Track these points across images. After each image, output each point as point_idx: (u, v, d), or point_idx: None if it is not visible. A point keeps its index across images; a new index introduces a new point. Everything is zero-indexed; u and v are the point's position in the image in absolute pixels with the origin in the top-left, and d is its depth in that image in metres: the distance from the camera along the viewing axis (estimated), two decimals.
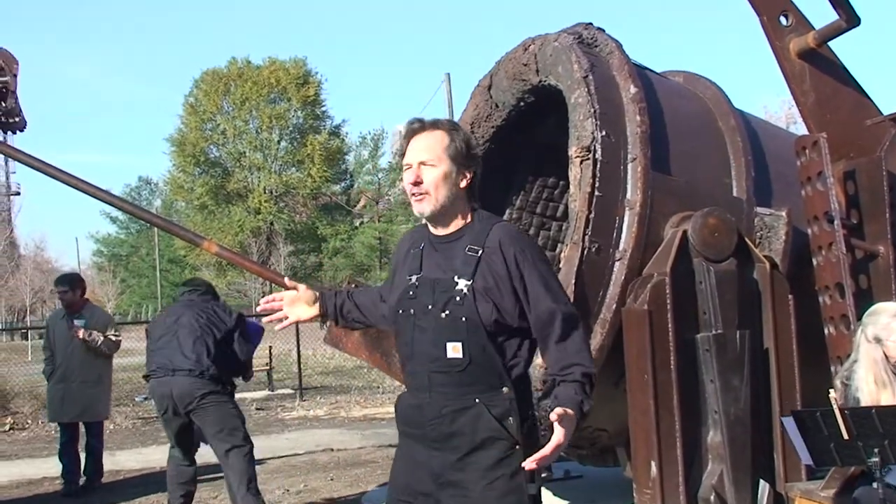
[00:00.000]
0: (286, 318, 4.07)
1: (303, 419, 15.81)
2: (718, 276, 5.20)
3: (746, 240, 5.38)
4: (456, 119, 7.86)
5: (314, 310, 4.07)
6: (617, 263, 5.36)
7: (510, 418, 3.52)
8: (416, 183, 3.60)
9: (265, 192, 66.96)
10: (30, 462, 11.97)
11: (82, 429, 9.94)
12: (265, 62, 67.61)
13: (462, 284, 3.53)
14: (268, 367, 21.64)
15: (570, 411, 3.35)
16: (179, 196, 71.64)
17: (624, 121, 5.53)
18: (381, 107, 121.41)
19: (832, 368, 5.20)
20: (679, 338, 5.14)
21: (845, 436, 3.97)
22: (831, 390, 4.09)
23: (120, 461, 11.94)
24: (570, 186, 5.49)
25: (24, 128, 8.73)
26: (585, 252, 5.26)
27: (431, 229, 3.72)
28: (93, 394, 9.81)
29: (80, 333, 9.65)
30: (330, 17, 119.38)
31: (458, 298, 3.53)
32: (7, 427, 15.39)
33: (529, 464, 3.33)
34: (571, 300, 5.10)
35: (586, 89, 5.49)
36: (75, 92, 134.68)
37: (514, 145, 6.76)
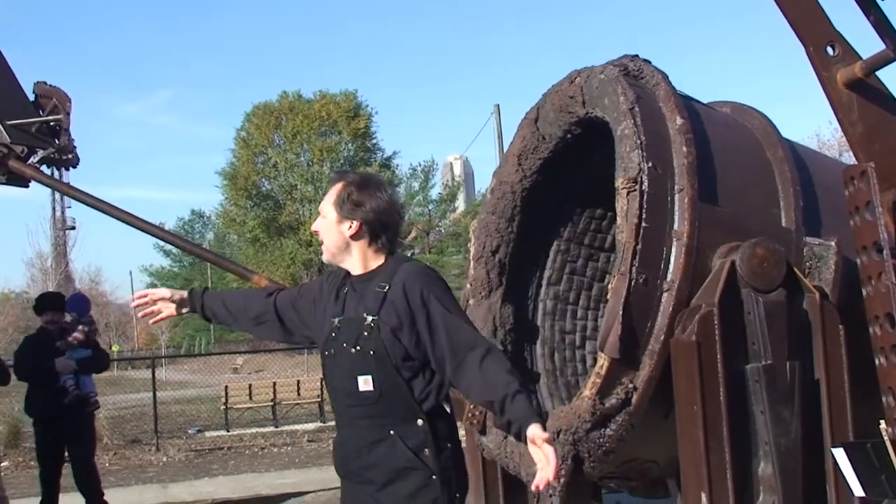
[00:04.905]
0: (159, 312, 4.35)
1: None
2: (767, 307, 5.16)
3: (795, 270, 5.34)
4: (504, 151, 7.88)
5: (181, 307, 4.34)
6: (664, 294, 5.33)
7: (426, 450, 3.66)
8: (315, 231, 3.97)
9: None
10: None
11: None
12: (316, 95, 68.12)
13: (370, 319, 3.71)
14: (319, 399, 21.72)
15: (541, 432, 3.49)
16: (231, 229, 72.32)
17: (670, 152, 5.52)
18: (431, 139, 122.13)
19: (883, 399, 5.14)
20: (728, 369, 5.11)
21: None
22: (882, 421, 4.06)
23: (173, 493, 12.05)
24: (617, 218, 5.50)
25: (77, 164, 8.93)
26: (633, 283, 5.25)
27: (350, 270, 3.93)
28: None
29: None
30: (380, 50, 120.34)
31: (366, 333, 3.71)
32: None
33: (542, 482, 3.40)
34: (620, 332, 5.15)
35: (632, 121, 5.50)
36: (127, 130, 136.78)
37: (562, 177, 6.77)
